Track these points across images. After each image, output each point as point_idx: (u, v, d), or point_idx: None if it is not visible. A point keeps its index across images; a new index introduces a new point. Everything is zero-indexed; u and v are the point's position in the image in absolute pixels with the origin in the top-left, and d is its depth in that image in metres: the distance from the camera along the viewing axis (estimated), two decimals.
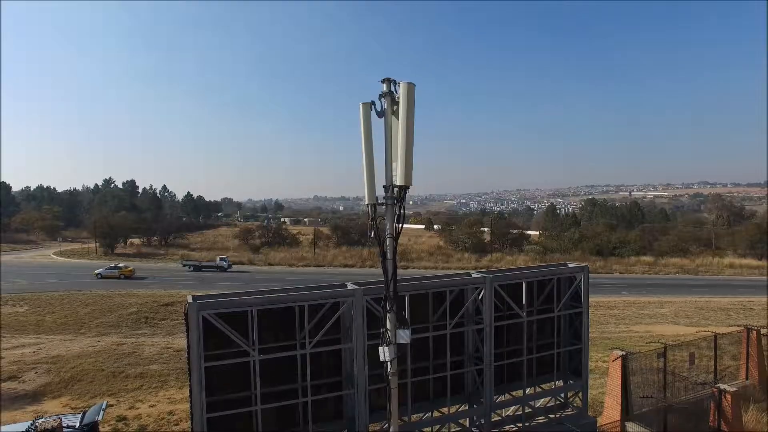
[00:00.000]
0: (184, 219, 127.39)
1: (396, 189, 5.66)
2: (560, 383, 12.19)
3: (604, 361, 20.24)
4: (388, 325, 5.85)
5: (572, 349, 12.26)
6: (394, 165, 5.68)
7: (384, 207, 5.82)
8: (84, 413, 12.79)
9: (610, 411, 12.97)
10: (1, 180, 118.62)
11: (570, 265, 12.23)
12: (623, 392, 12.72)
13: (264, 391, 8.57)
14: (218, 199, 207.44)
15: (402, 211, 5.70)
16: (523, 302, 11.28)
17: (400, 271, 6.09)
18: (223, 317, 8.27)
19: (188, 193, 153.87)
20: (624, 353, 12.91)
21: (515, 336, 11.34)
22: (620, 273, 63.84)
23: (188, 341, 7.99)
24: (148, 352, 25.70)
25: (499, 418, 11.57)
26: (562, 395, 12.45)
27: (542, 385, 12.08)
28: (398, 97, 5.61)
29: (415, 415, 10.31)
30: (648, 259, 70.66)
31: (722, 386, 12.42)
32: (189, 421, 10.89)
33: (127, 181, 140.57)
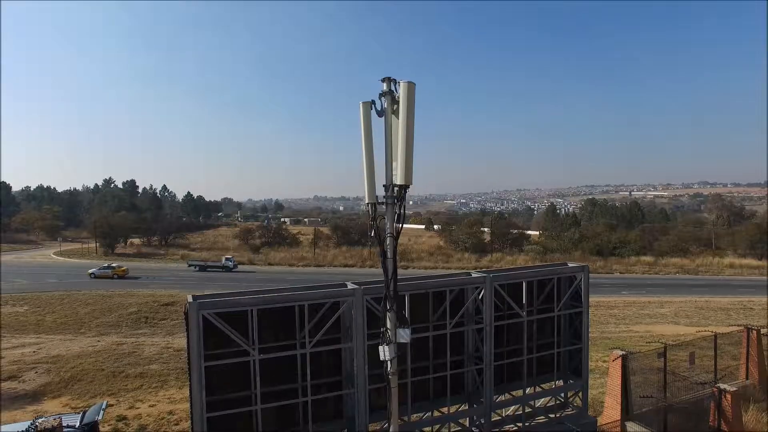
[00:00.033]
0: (184, 219, 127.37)
1: (396, 188, 5.66)
2: (560, 383, 12.19)
3: (604, 361, 20.24)
4: (389, 325, 5.85)
5: (572, 349, 12.26)
6: (394, 164, 5.68)
7: (384, 206, 5.82)
8: (84, 413, 12.80)
9: (610, 411, 12.96)
10: (1, 180, 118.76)
11: (570, 265, 12.23)
12: (623, 392, 12.71)
13: (264, 390, 8.56)
14: (218, 199, 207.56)
15: (402, 210, 5.71)
16: (523, 302, 11.28)
17: (400, 271, 6.09)
18: (223, 317, 8.27)
19: (188, 193, 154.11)
20: (624, 353, 12.90)
21: (515, 335, 11.33)
22: (620, 273, 63.83)
23: (188, 341, 7.98)
24: (148, 352, 25.70)
25: (499, 417, 11.56)
26: (562, 395, 12.45)
27: (542, 385, 12.07)
28: (398, 97, 5.61)
29: (415, 415, 10.31)
30: (648, 259, 70.66)
31: (722, 386, 12.42)
32: (189, 421, 10.89)
33: (127, 181, 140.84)
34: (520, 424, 11.43)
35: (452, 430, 11.14)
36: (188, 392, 8.75)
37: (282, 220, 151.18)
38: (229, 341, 8.32)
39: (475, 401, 10.82)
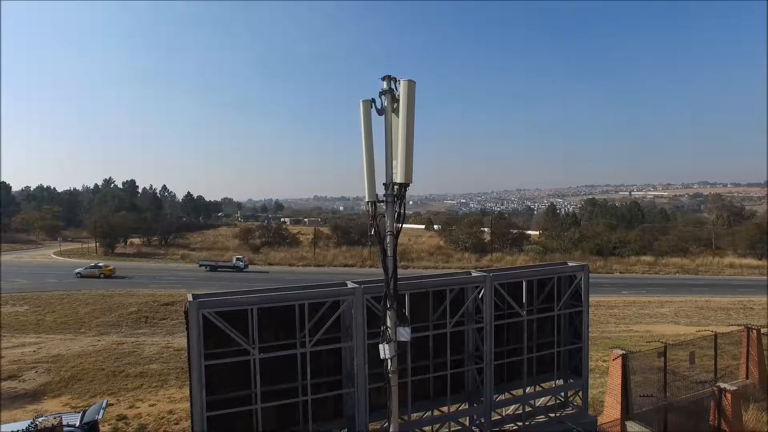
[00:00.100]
0: (184, 219, 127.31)
1: (396, 186, 5.66)
2: (560, 382, 12.19)
3: (604, 361, 20.23)
4: (389, 323, 5.84)
5: (572, 348, 12.26)
6: (394, 162, 5.68)
7: (384, 205, 5.82)
8: (84, 412, 12.81)
9: (611, 410, 12.96)
10: (1, 180, 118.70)
11: (570, 264, 12.23)
12: (623, 391, 12.71)
13: (264, 389, 8.56)
14: (218, 199, 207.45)
15: (402, 208, 5.70)
16: (523, 301, 11.28)
17: (400, 271, 6.09)
18: (223, 316, 8.27)
19: (188, 193, 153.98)
20: (624, 352, 12.90)
21: (515, 335, 11.33)
22: (620, 273, 63.81)
23: (188, 340, 7.98)
24: (148, 352, 25.70)
25: (500, 417, 11.57)
26: (563, 394, 12.45)
27: (542, 384, 12.08)
28: (398, 95, 5.61)
29: (415, 414, 10.31)
30: (648, 258, 70.64)
31: (722, 385, 12.42)
32: (189, 420, 10.89)
33: (127, 181, 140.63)
34: (520, 424, 11.43)
35: (452, 429, 11.15)
36: (188, 391, 8.75)
37: (282, 220, 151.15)
38: (229, 340, 8.32)
39: (475, 400, 10.82)
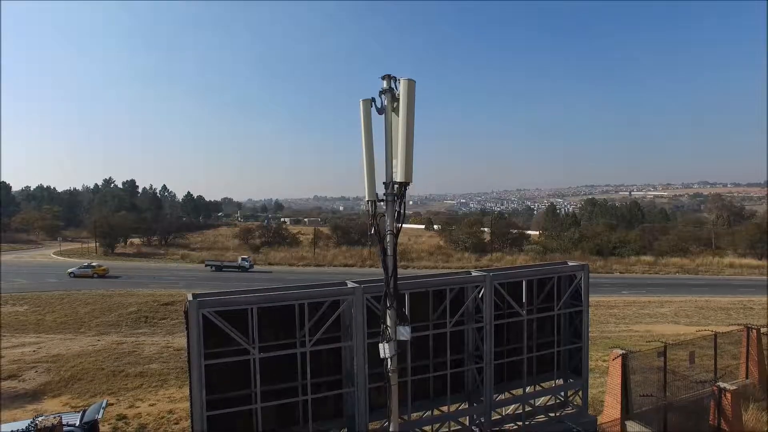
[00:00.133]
0: (184, 219, 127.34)
1: (396, 185, 5.65)
2: (560, 382, 12.20)
3: (604, 360, 20.23)
4: (389, 322, 5.84)
5: (572, 348, 12.26)
6: (394, 162, 5.68)
7: (384, 204, 5.81)
8: (84, 412, 12.82)
9: (610, 409, 12.96)
10: (1, 180, 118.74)
11: (570, 264, 12.23)
12: (623, 391, 12.71)
13: (264, 389, 8.56)
14: (218, 199, 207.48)
15: (402, 207, 5.70)
16: (523, 301, 11.28)
17: (400, 271, 6.09)
18: (223, 315, 8.27)
19: (188, 193, 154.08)
20: (624, 352, 12.90)
21: (515, 334, 11.33)
22: (620, 273, 63.80)
23: (188, 339, 7.98)
24: (148, 351, 25.69)
25: (499, 416, 11.57)
26: (562, 394, 12.45)
27: (542, 384, 12.08)
28: (398, 94, 5.61)
29: (415, 414, 10.31)
30: (648, 258, 70.64)
31: (722, 385, 12.43)
32: (189, 420, 10.89)
33: (127, 181, 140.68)
34: (520, 423, 11.42)
35: (452, 428, 11.15)
36: (188, 391, 8.75)
37: (282, 220, 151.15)
38: (229, 340, 8.32)
39: (475, 400, 10.82)
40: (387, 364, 5.90)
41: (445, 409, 10.58)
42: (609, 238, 77.51)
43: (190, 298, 8.21)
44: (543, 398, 12.31)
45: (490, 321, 10.54)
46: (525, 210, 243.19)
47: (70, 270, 54.39)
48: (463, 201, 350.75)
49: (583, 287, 11.82)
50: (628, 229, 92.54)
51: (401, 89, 5.55)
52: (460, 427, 11.13)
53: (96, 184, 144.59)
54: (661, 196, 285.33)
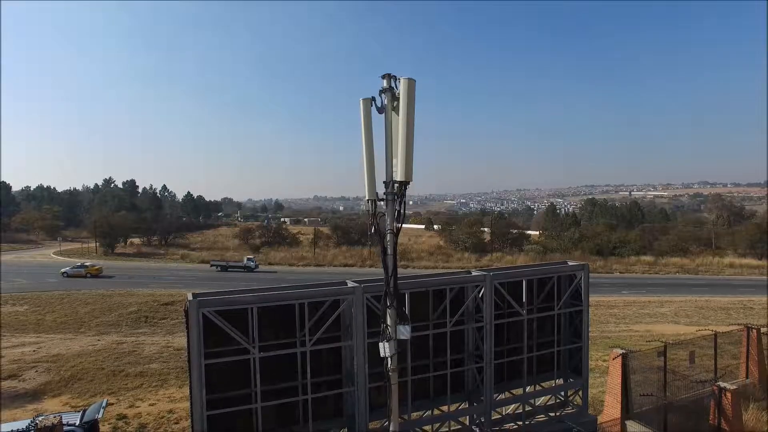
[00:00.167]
0: (184, 219, 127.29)
1: (396, 185, 5.65)
2: (560, 381, 12.19)
3: (604, 360, 20.24)
4: (389, 321, 5.84)
5: (572, 348, 12.26)
6: (394, 161, 5.68)
7: (384, 203, 5.81)
8: (84, 411, 12.82)
9: (611, 409, 12.96)
10: (1, 180, 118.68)
11: (570, 264, 12.23)
12: (623, 391, 12.71)
13: (264, 388, 8.56)
14: (218, 199, 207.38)
15: (403, 207, 5.70)
16: (524, 300, 11.28)
17: (400, 271, 6.09)
18: (224, 315, 8.26)
19: (188, 193, 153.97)
20: (624, 352, 12.90)
21: (515, 334, 11.33)
22: (620, 273, 63.79)
23: (188, 339, 7.98)
24: (148, 351, 25.69)
25: (500, 416, 11.57)
26: (563, 393, 12.45)
27: (542, 384, 12.07)
28: (398, 93, 5.61)
29: (415, 413, 10.31)
30: (648, 258, 70.65)
31: (722, 384, 12.43)
32: (189, 420, 10.89)
33: (127, 181, 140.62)
34: (520, 423, 11.42)
35: (452, 428, 11.14)
36: (188, 391, 8.74)
37: (282, 220, 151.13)
38: (229, 339, 8.32)
39: (475, 399, 10.82)
40: (387, 364, 5.90)
41: (445, 408, 10.58)
42: (609, 238, 77.50)
43: (190, 297, 8.21)
44: (543, 398, 12.30)
45: (490, 320, 10.54)
46: (525, 210, 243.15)
47: (63, 270, 54.38)
48: (463, 201, 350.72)
49: (583, 287, 11.81)
50: (628, 229, 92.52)
51: (401, 88, 5.55)
52: (460, 426, 11.12)
53: (96, 184, 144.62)
54: (661, 196, 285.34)
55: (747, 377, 15.83)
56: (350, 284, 9.27)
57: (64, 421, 10.15)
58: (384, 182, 5.78)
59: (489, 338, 10.56)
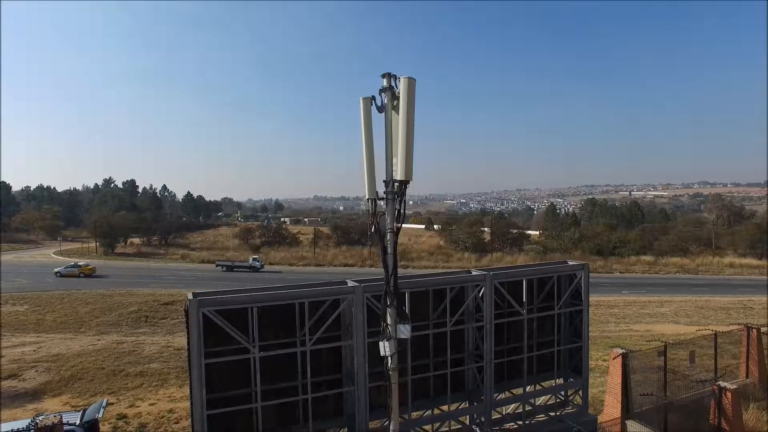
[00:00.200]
0: (184, 219, 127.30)
1: (396, 184, 5.65)
2: (560, 381, 12.19)
3: (605, 360, 20.23)
4: (389, 320, 5.84)
5: (572, 347, 12.26)
6: (394, 160, 5.67)
7: (384, 202, 5.81)
8: (84, 411, 12.82)
9: (611, 409, 12.95)
10: (1, 180, 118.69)
11: (570, 263, 12.22)
12: (623, 390, 12.70)
13: (264, 388, 8.56)
14: (218, 199, 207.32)
15: (403, 206, 5.70)
16: (524, 300, 11.27)
17: (400, 271, 6.08)
18: (224, 314, 8.26)
19: (188, 193, 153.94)
20: (624, 351, 12.89)
21: (515, 333, 11.33)
22: (620, 272, 63.79)
23: (188, 338, 7.98)
24: (148, 351, 25.69)
25: (500, 415, 11.56)
26: (563, 393, 12.44)
27: (542, 383, 12.07)
28: (398, 92, 5.60)
29: (415, 413, 10.31)
30: (648, 258, 70.64)
31: (722, 384, 12.42)
32: (189, 420, 10.89)
33: (127, 181, 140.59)
34: (520, 422, 11.42)
35: (452, 427, 11.13)
36: (188, 390, 8.74)
37: (282, 219, 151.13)
38: (230, 339, 8.32)
39: (475, 399, 10.81)
40: (387, 363, 5.90)
41: (445, 408, 10.58)
42: (609, 238, 77.50)
43: (190, 297, 8.21)
44: (543, 397, 12.30)
45: (490, 320, 10.54)
46: (525, 210, 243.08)
47: (56, 269, 54.39)
48: (463, 201, 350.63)
49: (583, 287, 11.81)
50: (628, 229, 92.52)
51: (401, 87, 5.55)
52: (460, 426, 11.11)
53: (96, 184, 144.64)
54: (661, 196, 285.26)
55: (747, 377, 15.82)
56: (350, 284, 9.27)
57: (64, 421, 10.15)
58: (384, 181, 5.78)
59: (489, 338, 10.55)
